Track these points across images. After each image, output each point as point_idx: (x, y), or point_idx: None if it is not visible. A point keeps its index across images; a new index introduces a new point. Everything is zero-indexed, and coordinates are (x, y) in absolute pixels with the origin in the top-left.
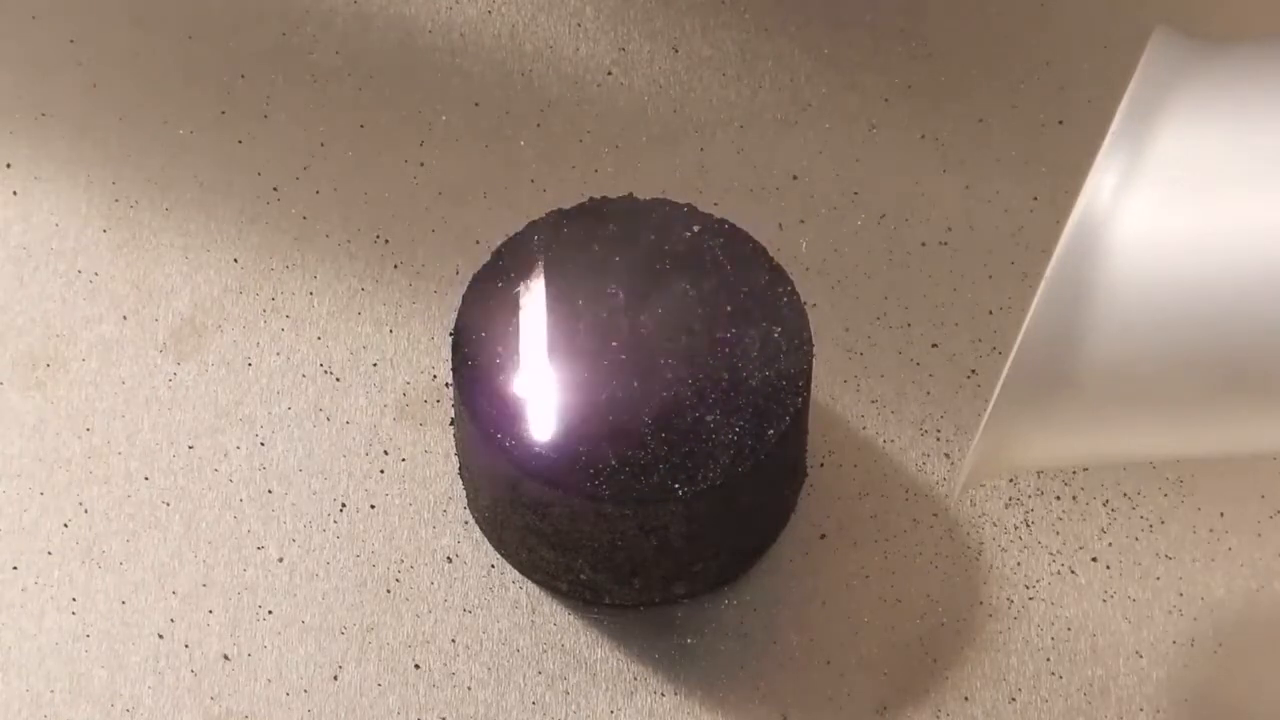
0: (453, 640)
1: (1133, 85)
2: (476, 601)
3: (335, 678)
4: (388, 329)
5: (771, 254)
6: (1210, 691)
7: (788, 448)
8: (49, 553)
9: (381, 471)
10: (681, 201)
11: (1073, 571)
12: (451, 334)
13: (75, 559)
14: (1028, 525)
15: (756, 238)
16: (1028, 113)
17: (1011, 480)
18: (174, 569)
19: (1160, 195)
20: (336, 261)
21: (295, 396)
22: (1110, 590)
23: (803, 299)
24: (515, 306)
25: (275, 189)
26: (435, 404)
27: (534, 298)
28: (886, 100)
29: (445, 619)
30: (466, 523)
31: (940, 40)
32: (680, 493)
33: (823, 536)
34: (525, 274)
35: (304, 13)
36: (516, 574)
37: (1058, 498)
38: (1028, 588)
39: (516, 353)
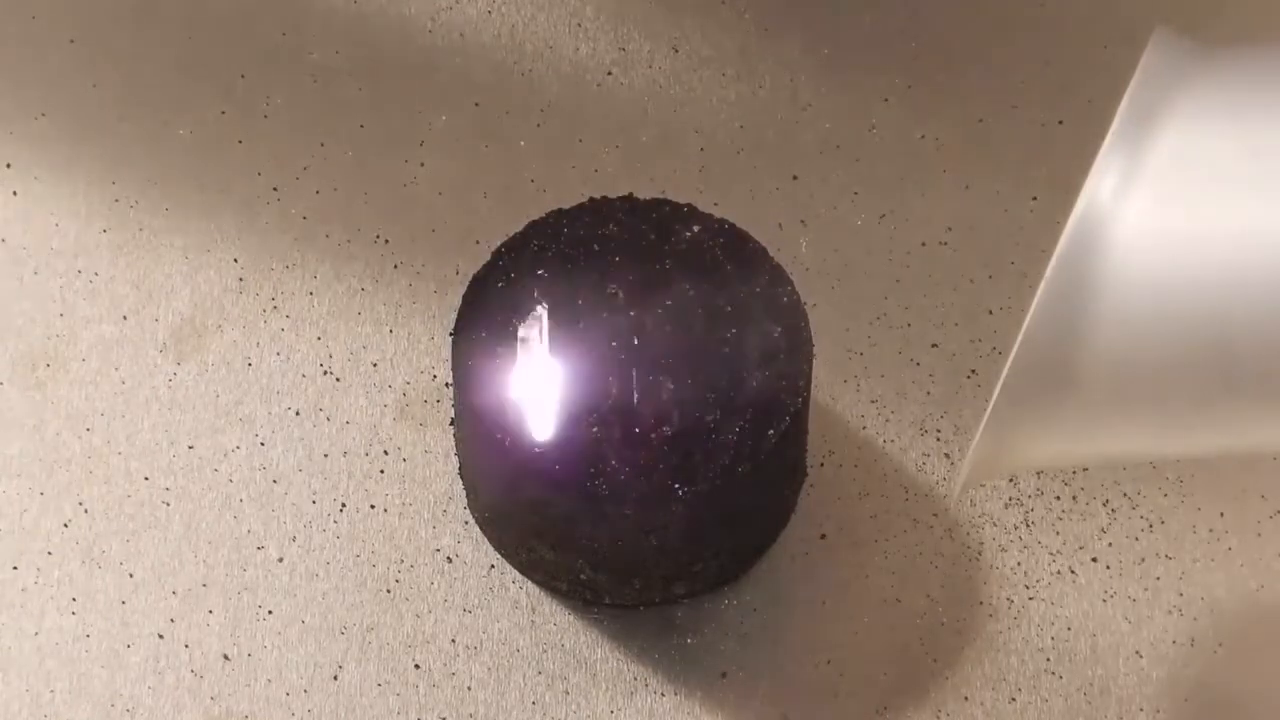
0: (453, 640)
1: (1133, 86)
2: (476, 601)
3: (335, 678)
4: (388, 329)
5: (771, 254)
6: (1210, 691)
7: (788, 448)
8: (49, 553)
9: (381, 471)
10: (681, 201)
11: (1073, 571)
12: (451, 334)
13: (75, 559)
14: (1028, 525)
15: (756, 238)
16: (1028, 113)
17: (1011, 480)
18: (174, 569)
19: (1160, 195)
20: (336, 261)
21: (295, 396)
22: (1110, 590)
23: (803, 299)
24: (515, 306)
25: (275, 189)
26: (435, 404)
27: (534, 298)
28: (886, 100)
29: (445, 619)
30: (466, 523)
31: (940, 40)
32: (680, 493)
33: (823, 536)
34: (525, 274)
35: (304, 13)
36: (516, 574)
37: (1058, 498)
38: (1028, 588)
39: (516, 353)
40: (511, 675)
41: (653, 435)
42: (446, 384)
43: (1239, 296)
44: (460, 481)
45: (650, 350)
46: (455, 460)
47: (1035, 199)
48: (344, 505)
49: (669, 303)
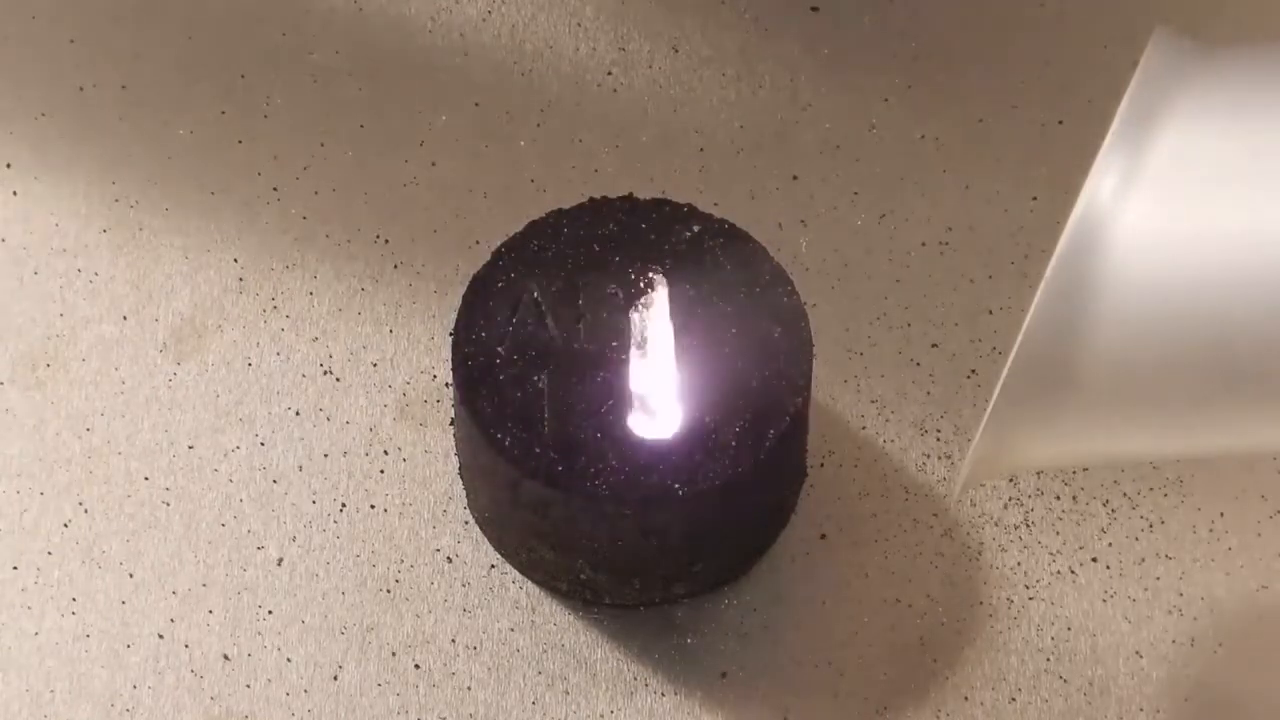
0: (453, 640)
1: (1133, 85)
2: (476, 601)
3: (335, 678)
4: (388, 329)
5: (771, 254)
6: (1210, 691)
7: (788, 448)
8: (49, 553)
9: (381, 471)
10: (681, 201)
11: (1073, 571)
12: (451, 334)
13: (75, 559)
14: (1028, 525)
15: (756, 238)
16: (1028, 113)
17: (1011, 480)
18: (174, 569)
19: (1160, 195)
20: (336, 261)
21: (295, 396)
22: (1110, 590)
23: (803, 299)
24: (515, 306)
25: (275, 189)
26: (435, 404)
27: (534, 298)
28: (886, 100)
29: (445, 619)
30: (466, 523)
31: (940, 40)
32: (680, 493)
33: (823, 536)
34: (525, 274)
35: (304, 13)
36: (516, 574)
37: (1058, 498)
38: (1028, 588)
39: (516, 353)
40: (511, 675)
41: (653, 435)
42: (446, 384)
43: (1239, 296)
44: (460, 481)
45: (650, 350)
46: (455, 460)
47: (1035, 199)
48: (344, 505)
49: (669, 303)
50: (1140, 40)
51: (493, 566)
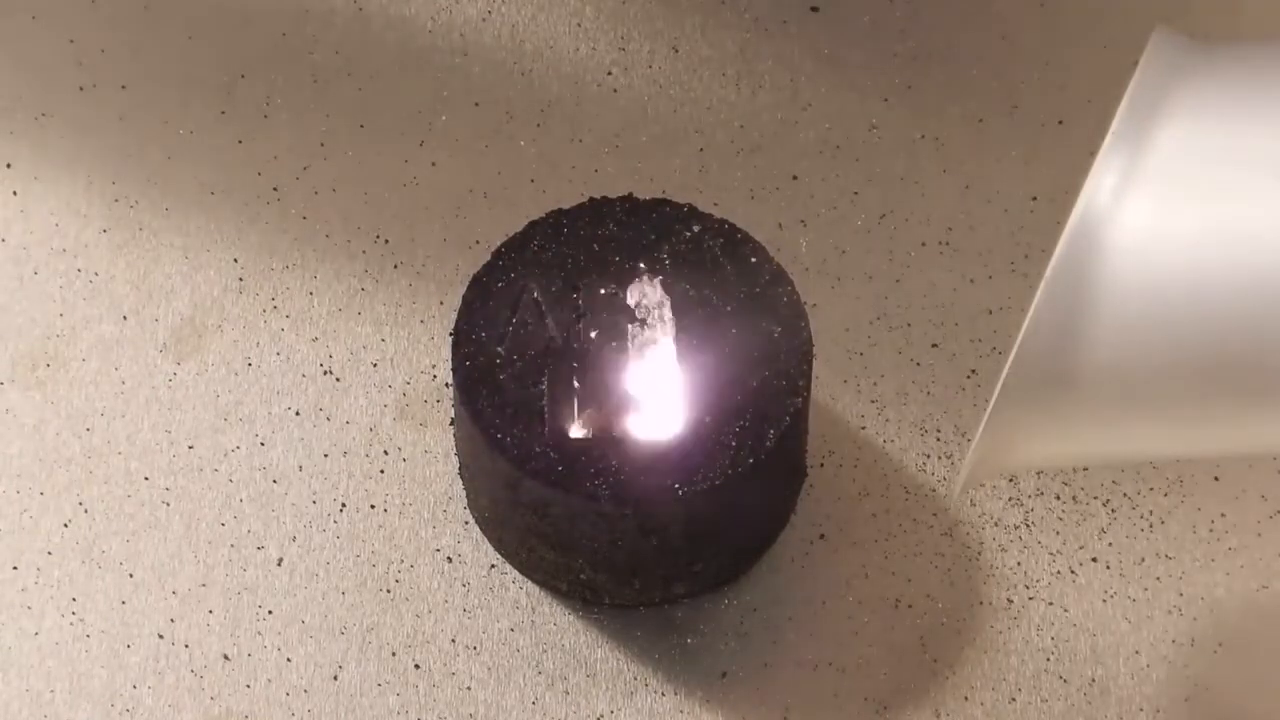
0: (453, 640)
1: (1133, 85)
2: (476, 601)
3: (335, 678)
4: (388, 329)
5: (771, 254)
6: (1210, 691)
7: (788, 448)
8: (49, 553)
9: (381, 471)
10: (681, 201)
11: (1073, 571)
12: (451, 334)
13: (75, 559)
14: (1028, 525)
15: (756, 238)
16: (1028, 113)
17: (1011, 480)
18: (174, 569)
19: (1160, 195)
20: (336, 261)
21: (295, 396)
22: (1110, 590)
23: (803, 299)
24: (515, 306)
25: (275, 189)
26: (435, 404)
27: (534, 298)
28: (886, 100)
29: (445, 619)
30: (466, 523)
31: (940, 40)
32: (680, 493)
33: (823, 536)
34: (525, 274)
35: (304, 13)
36: (516, 574)
37: (1058, 498)
38: (1027, 588)
39: (516, 353)
40: (511, 675)
41: (653, 435)
42: (446, 384)
43: (1238, 295)
44: (460, 481)
45: (650, 350)
46: (455, 460)
47: (1035, 199)
48: (344, 505)
49: (669, 303)
50: (1140, 40)
51: (493, 566)
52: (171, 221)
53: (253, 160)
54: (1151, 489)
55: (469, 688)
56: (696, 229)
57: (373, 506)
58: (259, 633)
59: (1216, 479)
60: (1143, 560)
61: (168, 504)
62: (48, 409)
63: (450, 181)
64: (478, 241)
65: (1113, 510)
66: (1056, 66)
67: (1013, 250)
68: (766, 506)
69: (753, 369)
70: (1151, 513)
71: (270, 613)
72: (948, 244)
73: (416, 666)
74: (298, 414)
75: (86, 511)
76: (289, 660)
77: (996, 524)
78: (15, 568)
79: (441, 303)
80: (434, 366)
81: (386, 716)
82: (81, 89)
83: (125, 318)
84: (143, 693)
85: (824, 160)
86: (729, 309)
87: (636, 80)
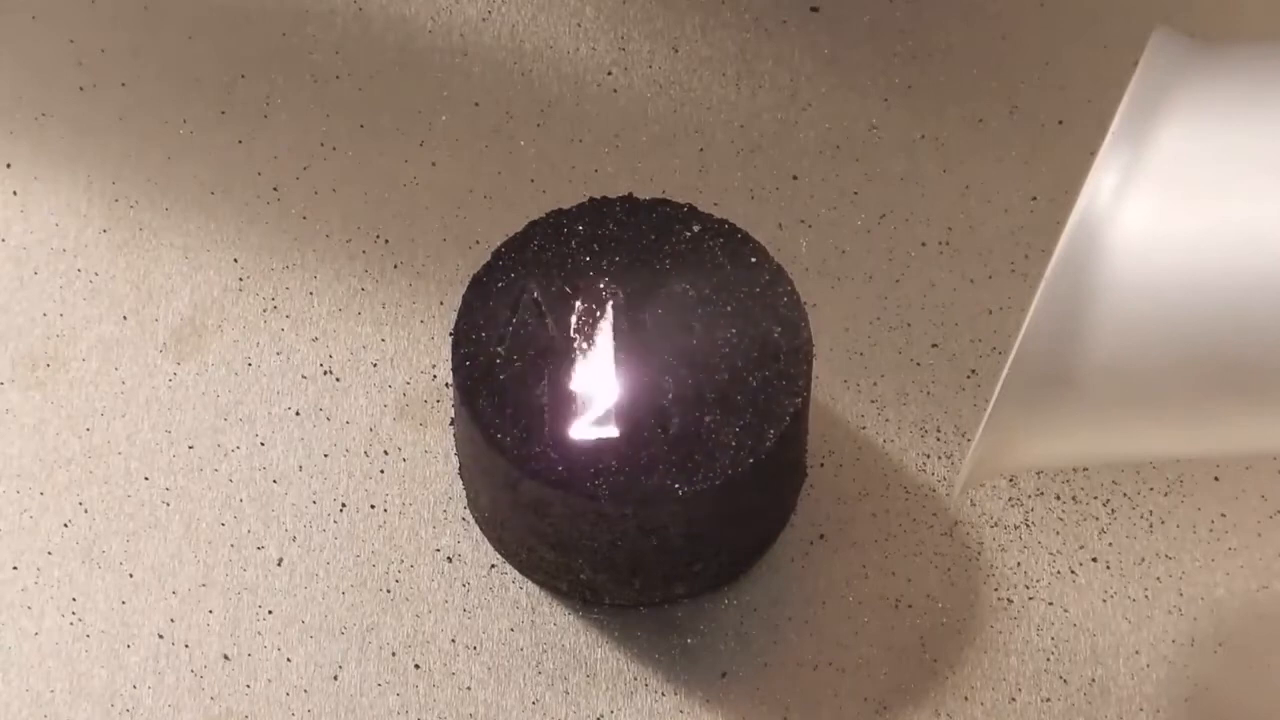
0: (453, 640)
1: (1133, 85)
2: (476, 601)
3: (335, 678)
4: (388, 329)
5: (771, 254)
6: (1210, 691)
7: (788, 448)
8: (49, 553)
9: (381, 471)
10: (681, 201)
11: (1073, 571)
12: (451, 334)
13: (75, 559)
14: (1028, 525)
15: (756, 238)
16: (1028, 113)
17: (1011, 480)
18: (174, 569)
19: (1160, 195)
20: (336, 261)
21: (295, 396)
22: (1110, 590)
23: (803, 299)
24: (515, 306)
25: (275, 189)
26: (435, 404)
27: (534, 298)
28: (886, 100)
29: (445, 619)
30: (466, 523)
31: (940, 40)
32: (680, 493)
33: (823, 536)
34: (525, 274)
35: (304, 13)
36: (516, 574)
37: (1058, 498)
38: (1027, 588)
39: (516, 353)
40: (511, 675)
41: (653, 435)
42: (446, 384)
43: (1239, 295)
44: (460, 481)
45: (650, 350)
46: (455, 460)
47: (1035, 199)
48: (344, 505)
49: (669, 303)
50: (1140, 40)
51: (493, 566)
52: (171, 221)
53: (253, 160)
54: (1151, 489)
55: (469, 688)
56: (696, 229)
57: (373, 506)
58: (259, 633)
59: (1216, 479)
60: (1143, 560)
61: (168, 504)
62: (48, 409)
63: (450, 181)
64: (478, 241)
65: (1113, 510)
66: (1056, 66)
67: (1013, 250)
68: (766, 506)
69: (753, 369)
70: (1151, 513)
71: (270, 613)
72: (948, 244)
73: (416, 666)
74: (298, 414)
75: (86, 511)
76: (289, 660)
77: (996, 524)
78: (15, 568)
79: (441, 303)
80: (434, 366)
81: (386, 716)
82: (81, 89)
83: (125, 318)
84: (143, 693)
85: (824, 160)
86: (729, 309)
87: (636, 80)
